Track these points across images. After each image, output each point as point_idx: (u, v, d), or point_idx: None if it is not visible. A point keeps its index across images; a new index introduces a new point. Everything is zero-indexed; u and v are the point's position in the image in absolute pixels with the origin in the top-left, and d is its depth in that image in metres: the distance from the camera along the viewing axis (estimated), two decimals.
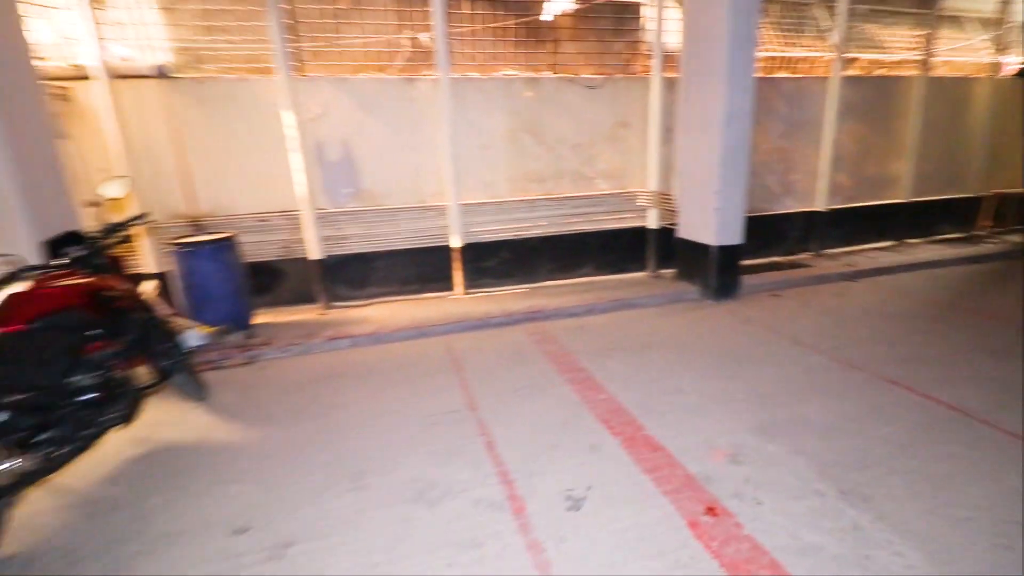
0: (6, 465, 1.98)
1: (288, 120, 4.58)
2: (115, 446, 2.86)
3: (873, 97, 6.60)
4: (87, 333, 2.48)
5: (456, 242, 5.22)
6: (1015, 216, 7.58)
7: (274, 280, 5.08)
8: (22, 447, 2.11)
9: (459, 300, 5.21)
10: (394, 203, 5.17)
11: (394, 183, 5.15)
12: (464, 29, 5.10)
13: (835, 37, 6.11)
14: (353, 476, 2.51)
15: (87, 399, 2.41)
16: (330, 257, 5.04)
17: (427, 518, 2.20)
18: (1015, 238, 7.16)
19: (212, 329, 4.02)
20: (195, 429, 3.05)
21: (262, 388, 3.57)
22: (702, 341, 4.04)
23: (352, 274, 5.22)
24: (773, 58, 6.24)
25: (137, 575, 1.98)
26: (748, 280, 5.40)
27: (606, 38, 5.53)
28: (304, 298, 5.13)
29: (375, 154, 5.05)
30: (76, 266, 2.67)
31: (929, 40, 6.66)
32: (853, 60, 6.47)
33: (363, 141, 4.99)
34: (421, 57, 5.04)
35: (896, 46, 6.74)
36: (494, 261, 5.55)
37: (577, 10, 5.37)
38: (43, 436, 2.22)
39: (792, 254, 6.70)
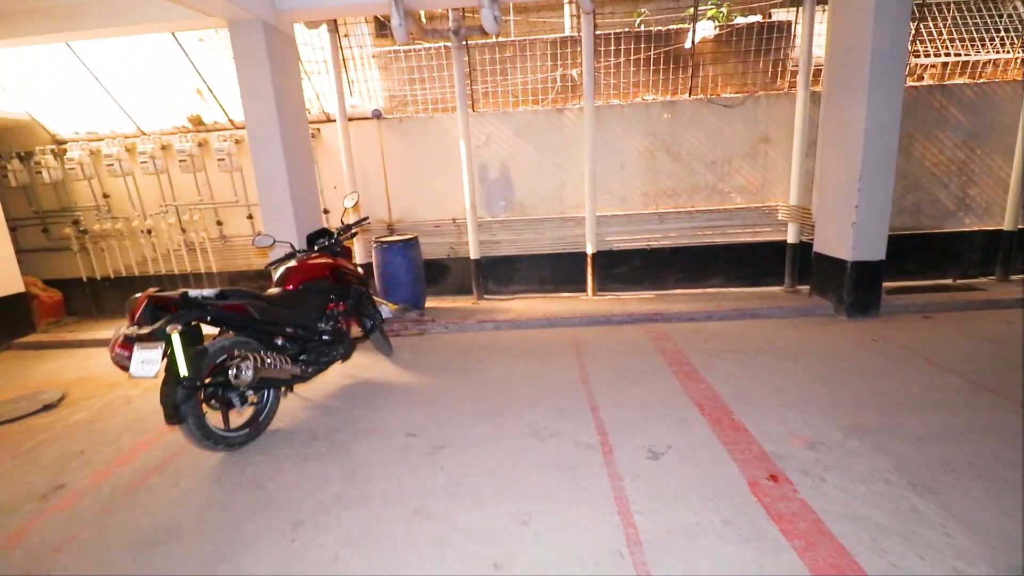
0: (287, 367, 3.19)
1: (461, 147, 5.75)
2: (334, 377, 4.13)
3: None
4: (329, 296, 3.73)
5: (590, 249, 5.91)
6: None
7: (441, 274, 6.32)
8: (291, 361, 3.34)
9: (589, 301, 5.87)
10: (539, 214, 6.06)
11: (541, 197, 6.05)
12: (609, 63, 5.81)
13: None
14: (489, 416, 3.35)
15: (326, 339, 3.65)
16: (484, 258, 6.10)
17: (539, 447, 2.93)
18: None
19: (397, 307, 5.30)
20: (384, 373, 4.21)
21: (430, 352, 4.66)
22: (820, 352, 4.13)
23: (501, 273, 6.22)
24: (947, 64, 5.80)
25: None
26: (896, 300, 5.14)
27: (748, 58, 5.76)
28: (463, 290, 6.28)
29: (526, 173, 6.00)
30: (323, 251, 3.98)
31: None
32: None
33: (517, 162, 5.98)
34: (571, 90, 5.88)
35: None
36: (624, 268, 6.11)
37: (718, 35, 5.71)
38: (302, 357, 3.47)
39: (969, 277, 6.04)
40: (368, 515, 2.43)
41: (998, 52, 5.76)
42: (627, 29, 5.92)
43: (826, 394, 3.39)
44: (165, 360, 2.63)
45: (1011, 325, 4.58)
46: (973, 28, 5.75)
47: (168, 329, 2.61)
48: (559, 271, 6.17)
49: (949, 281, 5.98)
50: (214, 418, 3.00)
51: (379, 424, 3.33)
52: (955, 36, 5.77)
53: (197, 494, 2.70)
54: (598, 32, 5.60)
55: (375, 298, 4.57)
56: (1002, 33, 5.76)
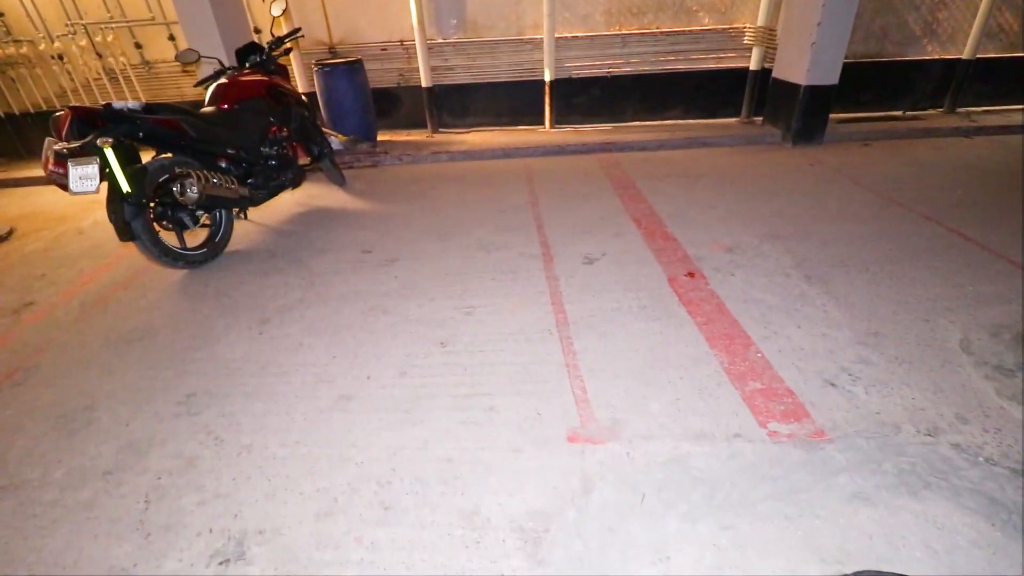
0: (235, 187, 3.20)
1: None
2: (286, 204, 4.17)
3: None
4: (269, 119, 3.59)
5: (548, 76, 5.65)
6: None
7: (393, 105, 6.02)
8: (238, 183, 3.34)
9: (546, 133, 5.79)
10: (495, 35, 5.63)
11: (496, 14, 5.56)
12: None
13: None
14: (440, 235, 3.53)
15: (272, 164, 3.60)
16: (437, 86, 5.79)
17: (485, 258, 3.17)
18: None
19: (346, 138, 5.13)
20: (338, 201, 4.26)
21: (382, 182, 4.67)
22: (757, 175, 4.34)
23: (456, 104, 5.96)
24: None
25: None
26: (842, 128, 5.27)
27: None
28: (416, 123, 6.05)
29: None
30: (256, 68, 3.71)
31: None
32: None
33: None
34: None
35: None
36: (583, 98, 5.93)
37: None
38: (249, 180, 3.46)
39: (919, 109, 6.14)
40: (328, 311, 2.69)
41: None
42: None
43: (753, 209, 3.66)
44: (104, 178, 2.61)
45: (940, 151, 4.84)
46: None
47: (99, 142, 2.55)
48: (517, 102, 5.95)
49: (899, 113, 6.07)
50: (170, 240, 3.08)
51: (335, 243, 3.48)
52: None
53: (165, 303, 2.89)
54: None
55: (324, 129, 4.42)
56: None
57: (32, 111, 5.97)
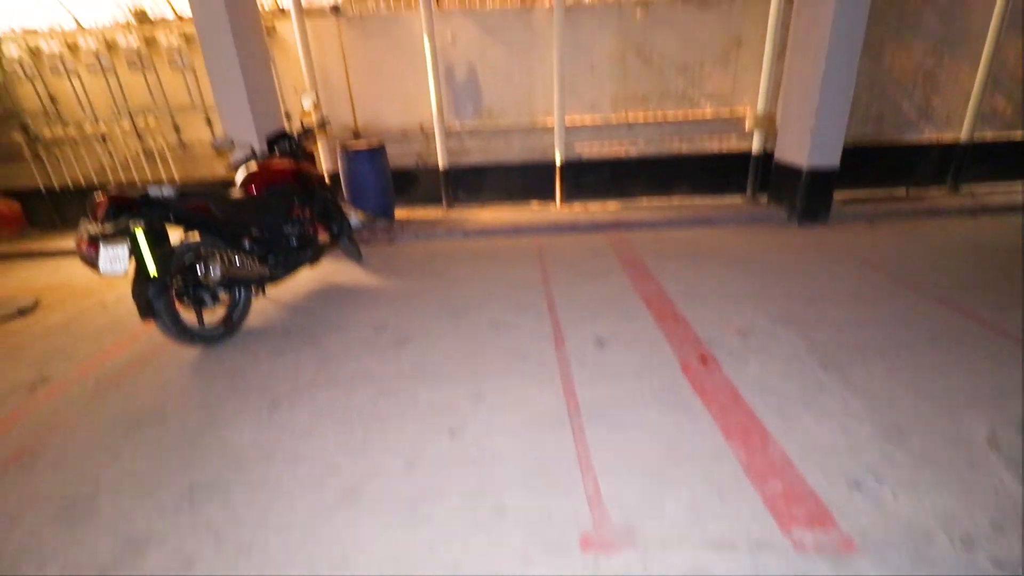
0: (255, 267, 3.31)
1: (426, 46, 5.50)
2: (306, 282, 4.28)
3: None
4: (293, 200, 3.77)
5: (559, 159, 5.90)
6: None
7: (411, 184, 6.30)
8: (259, 262, 3.45)
9: (556, 211, 5.97)
10: (508, 122, 5.97)
11: (509, 102, 5.92)
12: None
13: None
14: (453, 313, 3.57)
15: (293, 242, 3.74)
16: (453, 167, 6.07)
17: (496, 338, 3.18)
18: None
19: (365, 215, 5.34)
20: (354, 277, 4.36)
21: (399, 258, 4.80)
22: (765, 255, 4.39)
23: (470, 183, 6.23)
24: None
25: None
26: (847, 209, 5.38)
27: None
28: (432, 200, 6.30)
29: (495, 76, 5.82)
30: (285, 155, 3.95)
31: None
32: None
33: (485, 64, 5.78)
34: None
35: None
36: (592, 178, 6.16)
37: None
38: (270, 259, 3.58)
39: (921, 187, 6.26)
40: (339, 394, 2.69)
41: None
42: None
43: (763, 290, 3.68)
44: (133, 259, 2.72)
45: (945, 231, 4.89)
46: None
47: (131, 225, 2.68)
48: (528, 181, 6.19)
49: (903, 192, 6.20)
50: (189, 318, 3.15)
51: (349, 320, 3.53)
52: None
53: (179, 381, 2.91)
54: None
55: (344, 205, 4.61)
56: None
57: (71, 186, 6.33)
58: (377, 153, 5.35)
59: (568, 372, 2.78)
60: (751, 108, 5.85)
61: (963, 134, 5.89)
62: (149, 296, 2.79)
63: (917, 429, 2.23)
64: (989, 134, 5.95)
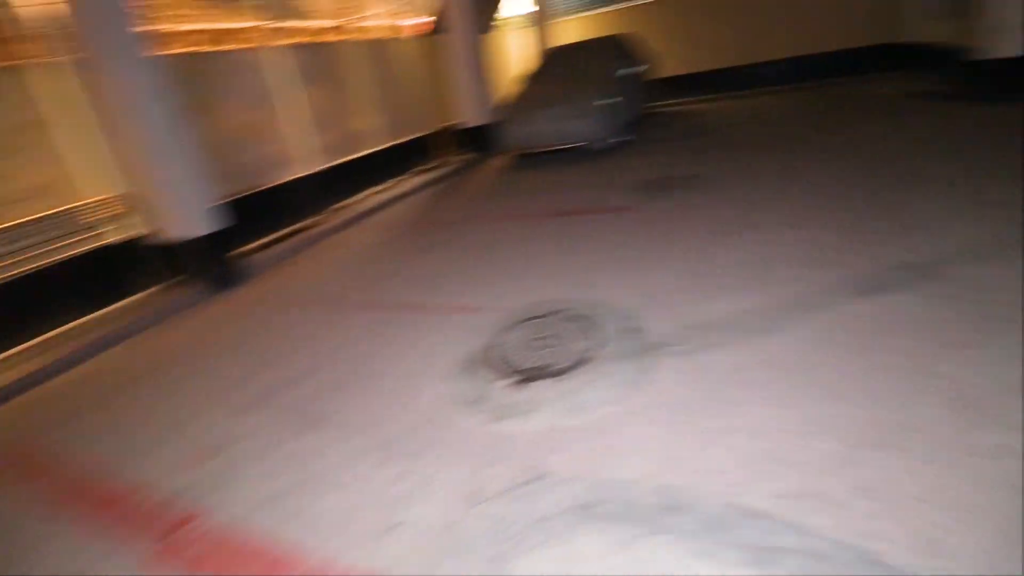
0: None
1: None
2: None
3: (321, 63, 7.26)
4: None
5: None
6: (458, 141, 9.77)
7: None
8: None
9: None
10: None
11: None
12: None
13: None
14: None
15: None
16: None
17: None
18: (462, 157, 9.32)
19: None
20: None
21: None
22: (190, 346, 3.83)
23: None
24: (202, 31, 5.98)
25: None
26: (262, 256, 5.43)
27: None
28: None
29: None
30: None
31: (355, 10, 7.77)
32: (290, 29, 6.85)
33: None
34: None
35: (321, 14, 7.52)
36: None
37: None
38: None
39: (308, 218, 6.92)
40: None
41: (247, 20, 6.33)
42: None
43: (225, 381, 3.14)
44: None
45: (342, 246, 5.67)
46: None
47: None
48: None
49: (309, 221, 6.71)
50: None
51: None
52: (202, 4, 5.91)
53: None
54: None
55: None
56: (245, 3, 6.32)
57: None
58: None
59: None
60: (103, 193, 4.70)
61: (309, 168, 6.90)
62: None
63: None
64: (332, 162, 7.27)
